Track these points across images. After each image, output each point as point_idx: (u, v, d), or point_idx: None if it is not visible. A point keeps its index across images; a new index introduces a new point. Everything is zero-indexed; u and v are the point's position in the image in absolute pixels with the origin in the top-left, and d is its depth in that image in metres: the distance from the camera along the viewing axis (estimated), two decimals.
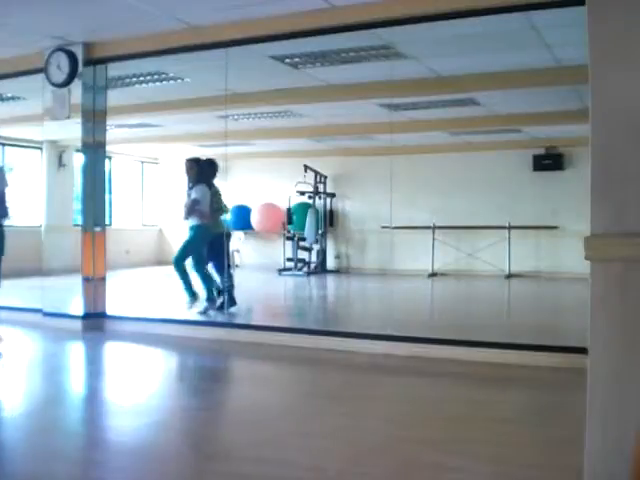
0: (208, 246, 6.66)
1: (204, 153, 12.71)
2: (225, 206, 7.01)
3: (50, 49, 6.05)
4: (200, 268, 6.63)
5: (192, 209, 6.51)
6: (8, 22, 5.33)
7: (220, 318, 6.42)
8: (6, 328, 6.18)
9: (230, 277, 6.81)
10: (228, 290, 6.66)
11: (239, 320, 6.49)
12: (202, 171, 6.70)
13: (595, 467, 1.95)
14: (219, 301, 6.61)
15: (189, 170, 6.70)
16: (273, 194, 12.75)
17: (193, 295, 6.56)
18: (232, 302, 6.70)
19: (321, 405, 3.74)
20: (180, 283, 6.61)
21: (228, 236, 7.01)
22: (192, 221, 6.57)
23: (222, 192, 6.94)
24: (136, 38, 5.74)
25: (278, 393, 4.11)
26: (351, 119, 9.45)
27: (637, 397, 1.89)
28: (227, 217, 7.42)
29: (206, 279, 6.63)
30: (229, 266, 6.90)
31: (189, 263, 6.66)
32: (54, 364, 4.89)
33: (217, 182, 6.92)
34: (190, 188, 6.63)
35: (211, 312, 6.50)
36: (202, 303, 6.59)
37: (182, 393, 4.21)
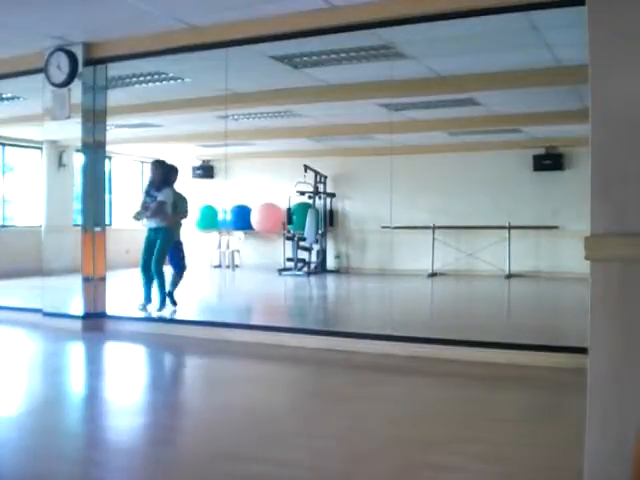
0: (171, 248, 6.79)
1: (204, 153, 12.80)
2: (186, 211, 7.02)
3: (50, 49, 6.05)
4: (160, 268, 6.68)
5: (159, 211, 6.54)
6: (8, 22, 5.33)
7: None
8: (6, 328, 6.19)
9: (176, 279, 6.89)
10: (171, 292, 6.75)
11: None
12: (168, 174, 6.75)
13: (595, 467, 1.95)
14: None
15: (155, 171, 6.72)
16: (273, 194, 12.75)
17: (165, 300, 6.63)
18: (174, 303, 6.78)
19: (321, 405, 3.74)
20: (157, 286, 6.65)
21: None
22: (156, 223, 6.59)
23: (187, 198, 7.01)
24: (136, 38, 5.74)
25: (278, 393, 4.11)
26: (351, 119, 9.45)
27: (637, 397, 1.89)
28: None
29: (159, 280, 6.68)
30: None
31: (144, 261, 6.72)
32: (54, 364, 4.88)
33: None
34: (156, 190, 6.63)
35: (145, 311, 6.57)
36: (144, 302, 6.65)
37: (182, 393, 4.21)
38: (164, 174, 6.72)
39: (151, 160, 7.02)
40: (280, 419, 3.44)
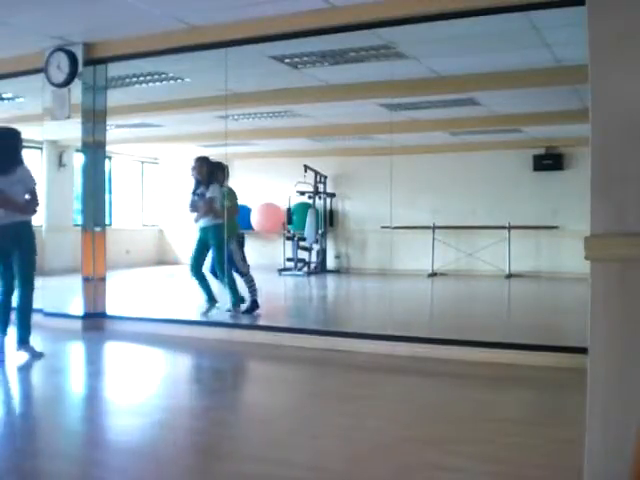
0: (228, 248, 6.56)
1: (204, 153, 12.78)
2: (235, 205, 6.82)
3: (50, 49, 6.05)
4: (223, 268, 6.54)
5: (209, 208, 6.42)
6: (8, 22, 5.33)
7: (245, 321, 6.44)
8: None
9: (252, 280, 6.64)
10: (252, 293, 6.59)
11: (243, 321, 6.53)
12: (213, 171, 6.59)
13: (595, 467, 1.95)
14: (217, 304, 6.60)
15: (199, 168, 6.52)
16: (273, 194, 12.75)
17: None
18: (255, 305, 6.59)
19: (322, 405, 3.74)
20: (227, 288, 6.53)
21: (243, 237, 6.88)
22: (207, 222, 6.45)
23: (235, 192, 6.86)
24: (136, 38, 5.74)
25: (279, 393, 4.11)
26: (351, 119, 9.45)
27: (637, 397, 1.89)
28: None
29: (228, 279, 6.56)
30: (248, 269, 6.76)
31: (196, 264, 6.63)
32: (54, 364, 4.88)
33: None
34: (206, 187, 6.48)
35: (212, 312, 6.49)
36: (207, 304, 6.57)
37: (182, 393, 4.21)
38: (209, 170, 6.54)
39: (195, 158, 6.76)
40: (280, 419, 3.44)
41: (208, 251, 6.63)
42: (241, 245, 6.70)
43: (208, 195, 6.45)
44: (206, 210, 6.44)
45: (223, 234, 6.45)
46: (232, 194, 6.73)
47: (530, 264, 11.10)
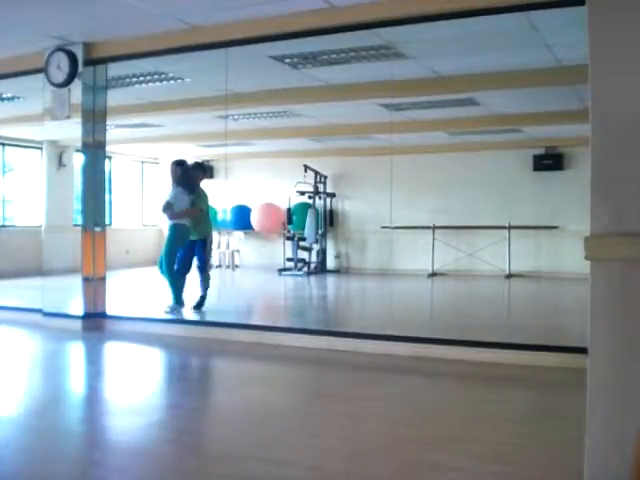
0: (193, 248, 6.78)
1: (204, 153, 12.80)
2: (207, 208, 7.08)
3: (50, 49, 6.05)
4: (170, 267, 6.68)
5: (164, 210, 6.67)
6: (8, 22, 5.33)
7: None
8: (6, 328, 6.19)
9: (206, 280, 6.89)
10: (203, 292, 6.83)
11: (233, 320, 6.54)
12: (184, 174, 6.82)
13: (595, 467, 1.95)
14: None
15: (172, 172, 6.89)
16: (273, 194, 12.75)
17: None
18: (200, 304, 6.80)
19: (322, 405, 3.74)
20: (167, 284, 6.68)
21: (206, 240, 7.01)
22: (168, 221, 6.75)
23: (207, 195, 7.02)
24: (136, 38, 5.74)
25: (279, 393, 4.11)
26: (351, 119, 9.45)
27: (637, 397, 1.89)
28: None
29: (175, 278, 6.70)
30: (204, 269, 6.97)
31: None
32: (54, 364, 4.89)
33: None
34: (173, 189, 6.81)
35: (176, 312, 6.55)
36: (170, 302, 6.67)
37: (182, 393, 4.21)
38: (181, 175, 6.82)
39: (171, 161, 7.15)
40: (280, 419, 3.44)
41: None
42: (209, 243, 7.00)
43: (166, 199, 6.71)
44: (162, 211, 6.73)
45: (173, 235, 6.65)
46: (204, 197, 6.92)
47: (530, 264, 11.10)
